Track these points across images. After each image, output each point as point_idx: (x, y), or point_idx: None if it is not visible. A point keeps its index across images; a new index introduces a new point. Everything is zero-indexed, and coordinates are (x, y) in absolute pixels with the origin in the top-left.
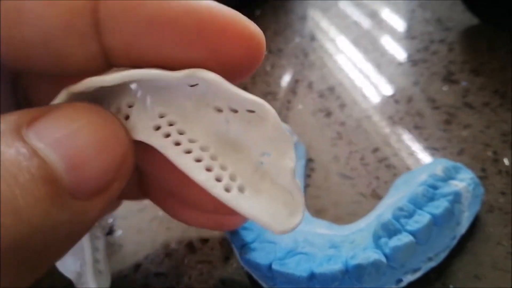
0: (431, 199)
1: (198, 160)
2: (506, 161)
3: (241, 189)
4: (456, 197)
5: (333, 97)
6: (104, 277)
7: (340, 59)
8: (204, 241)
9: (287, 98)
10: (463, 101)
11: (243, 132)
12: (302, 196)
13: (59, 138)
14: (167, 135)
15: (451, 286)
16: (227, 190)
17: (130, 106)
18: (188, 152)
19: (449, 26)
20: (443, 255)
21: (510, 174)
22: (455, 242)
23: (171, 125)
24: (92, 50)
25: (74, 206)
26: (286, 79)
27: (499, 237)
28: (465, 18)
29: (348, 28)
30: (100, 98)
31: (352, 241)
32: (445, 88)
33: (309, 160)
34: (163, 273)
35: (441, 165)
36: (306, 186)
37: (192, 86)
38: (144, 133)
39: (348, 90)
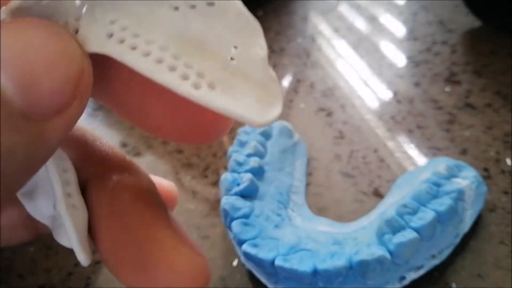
0: (435, 196)
1: (159, 61)
2: (508, 161)
3: (211, 86)
4: (460, 194)
5: (335, 97)
6: (80, 212)
7: (342, 60)
8: (205, 237)
9: (289, 98)
10: (465, 102)
11: (205, 28)
12: (279, 87)
13: (5, 57)
14: (122, 41)
15: (453, 284)
16: (196, 87)
17: (77, 20)
18: (147, 54)
19: (452, 28)
20: (446, 253)
21: None
22: (458, 240)
23: (123, 29)
24: None
25: (29, 128)
26: (288, 79)
27: (502, 236)
28: (468, 20)
29: (350, 29)
30: (47, 14)
31: (355, 238)
32: (447, 89)
33: (311, 159)
34: None
35: (444, 163)
36: (308, 185)
37: None
38: (97, 43)
39: (350, 90)
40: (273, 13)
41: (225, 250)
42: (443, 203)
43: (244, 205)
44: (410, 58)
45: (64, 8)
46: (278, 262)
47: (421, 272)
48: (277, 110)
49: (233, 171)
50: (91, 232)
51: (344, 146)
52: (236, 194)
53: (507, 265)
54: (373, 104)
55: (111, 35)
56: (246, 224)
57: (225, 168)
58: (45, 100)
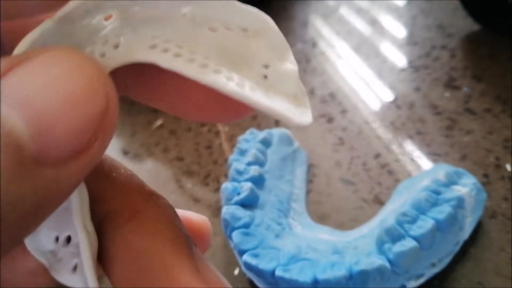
0: (434, 204)
1: (204, 66)
2: (508, 167)
3: (252, 89)
4: (459, 202)
5: (335, 103)
6: (93, 239)
7: (342, 65)
8: None
9: None
10: (465, 107)
11: (240, 47)
12: (307, 100)
13: (26, 95)
14: (166, 50)
15: None
16: (240, 87)
17: (118, 36)
18: (192, 61)
19: (451, 32)
20: (446, 261)
21: None
22: (458, 247)
23: (167, 42)
24: None
25: (42, 175)
26: None
27: (502, 243)
28: (467, 24)
29: (350, 34)
30: (82, 37)
31: (355, 247)
32: (447, 94)
33: (311, 166)
34: None
35: (444, 170)
36: (308, 192)
37: (181, 15)
38: (141, 53)
39: (349, 96)
40: (272, 18)
41: (226, 259)
42: (443, 211)
43: (244, 215)
44: (409, 63)
45: (101, 28)
46: (278, 272)
47: (421, 280)
48: (309, 118)
49: (233, 180)
50: (106, 271)
51: (344, 152)
52: (236, 203)
53: (507, 273)
54: (373, 110)
55: (154, 46)
56: (246, 234)
57: (226, 176)
58: (62, 143)
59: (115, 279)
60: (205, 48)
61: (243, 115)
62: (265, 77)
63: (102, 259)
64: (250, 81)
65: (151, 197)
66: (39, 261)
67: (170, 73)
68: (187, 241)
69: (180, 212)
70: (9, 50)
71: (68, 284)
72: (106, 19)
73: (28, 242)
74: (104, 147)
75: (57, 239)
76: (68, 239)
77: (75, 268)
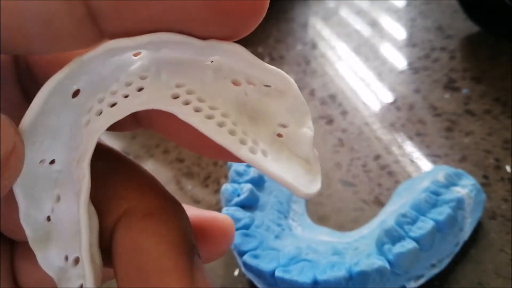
0: (434, 205)
1: (221, 125)
2: (508, 168)
3: (264, 153)
4: (459, 203)
5: (335, 105)
6: (98, 269)
7: (342, 67)
8: None
9: None
10: (464, 108)
11: (261, 104)
12: (319, 165)
13: None
14: (187, 103)
15: None
16: (252, 152)
17: (143, 78)
18: (210, 118)
19: (450, 34)
20: (446, 262)
21: None
22: (458, 248)
23: (189, 93)
24: (89, 33)
25: None
26: None
27: (502, 244)
28: (466, 26)
29: (350, 36)
30: (111, 75)
31: (355, 248)
32: (446, 95)
33: None
34: None
35: (443, 171)
36: None
37: (208, 62)
38: (162, 102)
39: (349, 98)
40: (272, 20)
41: (226, 259)
42: (443, 212)
43: (244, 216)
44: (409, 64)
45: (131, 64)
46: (278, 273)
47: (421, 281)
48: (318, 185)
49: (233, 181)
50: (113, 266)
51: (344, 154)
52: (236, 204)
53: (507, 273)
54: (373, 111)
55: (176, 97)
56: (246, 235)
57: (226, 177)
58: None
59: (118, 274)
60: (225, 103)
61: None
62: (280, 136)
63: (112, 255)
64: (264, 141)
65: (167, 201)
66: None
67: None
68: (191, 250)
69: (205, 212)
70: (40, 79)
71: None
72: (135, 55)
73: (41, 259)
74: (6, 188)
75: (66, 258)
76: (76, 260)
77: (80, 286)
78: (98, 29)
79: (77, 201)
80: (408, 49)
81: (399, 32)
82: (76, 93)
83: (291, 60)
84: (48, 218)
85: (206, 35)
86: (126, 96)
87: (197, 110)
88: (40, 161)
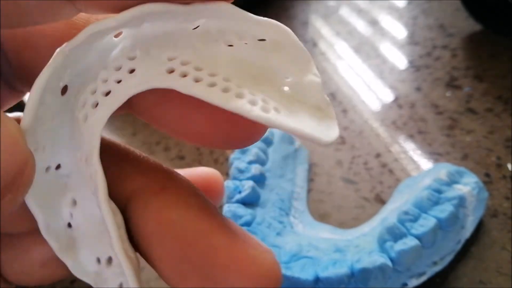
0: (436, 203)
1: (226, 91)
2: (509, 166)
3: (276, 110)
4: (461, 201)
5: (336, 102)
6: (135, 263)
7: (343, 65)
8: None
9: None
10: (466, 106)
11: (259, 61)
12: (333, 110)
13: None
14: (185, 75)
15: None
16: (265, 111)
17: (131, 59)
18: (213, 85)
19: (452, 32)
20: (448, 259)
21: None
22: (460, 246)
23: (184, 64)
24: (61, 5)
25: None
26: None
27: (504, 242)
28: (468, 25)
29: (351, 34)
30: (94, 60)
31: (356, 245)
32: (448, 93)
33: (312, 165)
34: None
35: (445, 169)
36: (309, 191)
37: (194, 29)
38: (158, 79)
39: (351, 96)
40: (273, 18)
41: None
42: (445, 210)
43: (245, 213)
44: (410, 62)
45: (114, 47)
46: None
47: (423, 278)
48: (336, 130)
49: (235, 178)
50: (143, 253)
51: (345, 152)
52: (237, 201)
53: (509, 271)
54: (375, 109)
55: (172, 71)
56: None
57: (227, 175)
58: None
59: (155, 255)
60: (224, 67)
61: (250, 141)
62: (288, 88)
63: (134, 240)
64: (273, 99)
65: (172, 173)
66: (51, 253)
67: (174, 97)
68: (214, 208)
69: (193, 169)
70: (12, 59)
71: None
72: (116, 36)
73: (74, 268)
74: (15, 203)
75: (98, 260)
76: (109, 260)
77: (120, 285)
78: (71, 2)
79: (96, 200)
80: (409, 47)
81: (401, 30)
82: (64, 90)
83: None
84: (69, 225)
85: None
86: (119, 81)
87: (197, 80)
88: (46, 169)
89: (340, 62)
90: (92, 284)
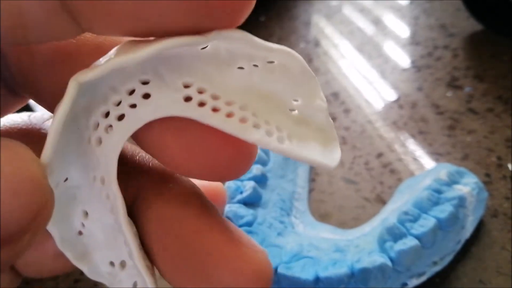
0: (436, 203)
1: (243, 121)
2: (510, 166)
3: (289, 138)
4: (461, 201)
5: (338, 102)
6: (151, 270)
7: (345, 65)
8: None
9: None
10: (467, 106)
11: (268, 84)
12: (335, 132)
13: None
14: (202, 104)
15: None
16: (280, 142)
17: (145, 83)
18: (231, 115)
19: (453, 32)
20: (448, 259)
21: None
22: (459, 246)
23: (200, 92)
24: (65, 25)
25: None
26: None
27: (504, 242)
28: (469, 25)
29: (352, 34)
30: (104, 83)
31: (357, 245)
32: (449, 93)
33: None
34: None
35: (445, 169)
36: (311, 191)
37: (203, 48)
38: (176, 107)
39: (352, 96)
40: (275, 18)
41: None
42: (444, 210)
43: (247, 213)
44: (412, 63)
45: (125, 72)
46: (280, 270)
47: (423, 278)
48: (338, 153)
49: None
50: (146, 251)
51: (346, 152)
52: (239, 202)
53: (508, 271)
54: (376, 109)
55: (189, 99)
56: (249, 232)
57: None
58: None
59: (155, 252)
60: (238, 94)
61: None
62: (296, 112)
63: (141, 234)
64: (285, 125)
65: (175, 174)
66: (49, 249)
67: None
68: (212, 206)
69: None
70: (12, 65)
71: None
72: None
73: (88, 271)
74: (33, 241)
75: (111, 263)
76: (123, 263)
77: (135, 285)
78: (76, 22)
79: (113, 217)
80: (411, 47)
81: (402, 30)
82: None
83: None
84: (80, 233)
85: (189, 27)
86: (133, 106)
87: (215, 110)
88: (56, 185)
89: (343, 62)
90: (107, 284)
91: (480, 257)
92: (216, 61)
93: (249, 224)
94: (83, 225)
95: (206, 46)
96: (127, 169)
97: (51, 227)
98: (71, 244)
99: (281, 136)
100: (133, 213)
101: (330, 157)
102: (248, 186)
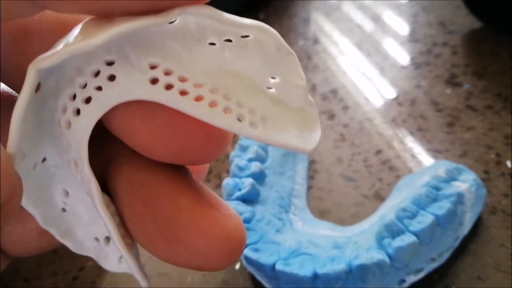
0: (434, 200)
1: (214, 105)
2: (508, 163)
3: (263, 121)
4: (459, 198)
5: (336, 100)
6: (135, 247)
7: (343, 62)
8: None
9: None
10: (466, 103)
11: (243, 60)
12: (316, 111)
13: None
14: (169, 86)
15: (453, 287)
16: (253, 126)
17: (110, 64)
18: (200, 98)
19: (452, 29)
20: (446, 256)
21: None
22: (458, 243)
23: (167, 74)
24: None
25: None
26: None
27: (502, 239)
28: (468, 22)
29: (351, 31)
30: (69, 63)
31: (355, 242)
32: (448, 91)
33: (312, 162)
34: (166, 273)
35: (444, 166)
36: (309, 188)
37: (171, 23)
38: (142, 90)
39: (351, 93)
40: (274, 16)
41: None
42: (443, 207)
43: (245, 210)
44: (411, 60)
45: (92, 52)
46: (278, 266)
47: (421, 275)
48: (318, 134)
49: (235, 175)
50: (119, 214)
51: (345, 149)
52: (237, 199)
53: (507, 268)
54: (374, 106)
55: (155, 81)
56: (247, 229)
57: (227, 172)
58: None
59: (126, 216)
60: (209, 74)
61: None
62: (273, 90)
63: (113, 197)
64: (259, 106)
65: None
66: (32, 224)
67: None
68: (187, 171)
69: None
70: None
71: (115, 271)
72: None
73: (74, 247)
74: (4, 229)
75: (96, 239)
76: (107, 238)
77: (120, 258)
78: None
79: (90, 200)
80: (410, 44)
81: (401, 28)
82: (37, 87)
83: None
84: (63, 210)
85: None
86: (99, 88)
87: (182, 93)
88: (34, 166)
89: (341, 59)
90: (94, 257)
91: (478, 254)
92: (185, 37)
93: (248, 221)
94: (65, 203)
95: (175, 20)
96: (100, 134)
97: (32, 209)
98: (55, 222)
99: (254, 121)
100: (106, 178)
101: (307, 139)
102: (246, 183)
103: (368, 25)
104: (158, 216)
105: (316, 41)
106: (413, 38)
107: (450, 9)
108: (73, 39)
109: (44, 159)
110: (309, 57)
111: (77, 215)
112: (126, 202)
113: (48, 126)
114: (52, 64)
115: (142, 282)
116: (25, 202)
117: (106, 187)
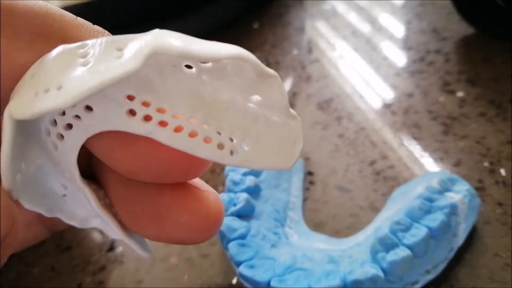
0: (428, 212)
1: (193, 135)
2: (503, 172)
3: (244, 143)
4: (453, 209)
5: (331, 110)
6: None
7: (337, 72)
8: (204, 256)
9: None
10: (459, 111)
11: (222, 81)
12: (299, 121)
13: None
14: (148, 117)
15: None
16: (233, 153)
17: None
18: (179, 129)
19: (445, 36)
20: (441, 267)
21: (507, 185)
22: (452, 254)
23: (145, 105)
24: None
25: None
26: None
27: (497, 248)
28: (461, 28)
29: (345, 40)
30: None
31: (350, 256)
32: (441, 98)
33: (308, 173)
34: None
35: (437, 177)
36: (305, 200)
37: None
38: (120, 122)
39: (345, 103)
40: (268, 25)
41: (224, 268)
42: (436, 219)
43: (240, 226)
44: (404, 68)
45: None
46: (273, 283)
47: (417, 287)
48: (300, 144)
49: (230, 190)
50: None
51: (340, 159)
52: (232, 214)
53: (502, 278)
54: (368, 116)
55: (133, 113)
56: (242, 245)
57: (223, 185)
58: None
59: (113, 201)
60: (186, 102)
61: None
62: (249, 106)
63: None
64: (237, 125)
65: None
66: (35, 213)
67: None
68: None
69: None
70: None
71: (122, 239)
72: None
73: (66, 219)
74: (6, 257)
75: (88, 214)
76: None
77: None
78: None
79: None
80: (403, 52)
81: (394, 36)
82: None
83: (287, 65)
84: (64, 195)
85: None
86: (77, 117)
87: (161, 124)
88: (31, 173)
89: (335, 69)
90: (101, 228)
91: (473, 264)
92: (159, 65)
93: (243, 236)
94: (64, 187)
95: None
96: None
97: (37, 209)
98: (60, 208)
99: (233, 146)
100: (91, 164)
101: (287, 157)
102: (241, 198)
103: (361, 33)
104: (142, 198)
105: (310, 50)
106: (406, 46)
107: (443, 16)
108: (48, 92)
109: (40, 163)
110: (303, 67)
111: (78, 197)
112: (112, 188)
113: (37, 140)
114: (28, 118)
115: (144, 254)
116: (28, 207)
117: (91, 173)
